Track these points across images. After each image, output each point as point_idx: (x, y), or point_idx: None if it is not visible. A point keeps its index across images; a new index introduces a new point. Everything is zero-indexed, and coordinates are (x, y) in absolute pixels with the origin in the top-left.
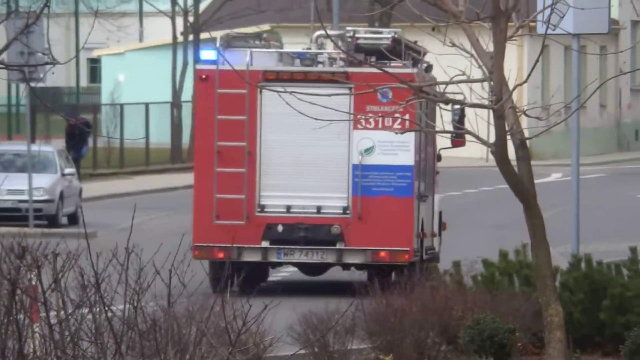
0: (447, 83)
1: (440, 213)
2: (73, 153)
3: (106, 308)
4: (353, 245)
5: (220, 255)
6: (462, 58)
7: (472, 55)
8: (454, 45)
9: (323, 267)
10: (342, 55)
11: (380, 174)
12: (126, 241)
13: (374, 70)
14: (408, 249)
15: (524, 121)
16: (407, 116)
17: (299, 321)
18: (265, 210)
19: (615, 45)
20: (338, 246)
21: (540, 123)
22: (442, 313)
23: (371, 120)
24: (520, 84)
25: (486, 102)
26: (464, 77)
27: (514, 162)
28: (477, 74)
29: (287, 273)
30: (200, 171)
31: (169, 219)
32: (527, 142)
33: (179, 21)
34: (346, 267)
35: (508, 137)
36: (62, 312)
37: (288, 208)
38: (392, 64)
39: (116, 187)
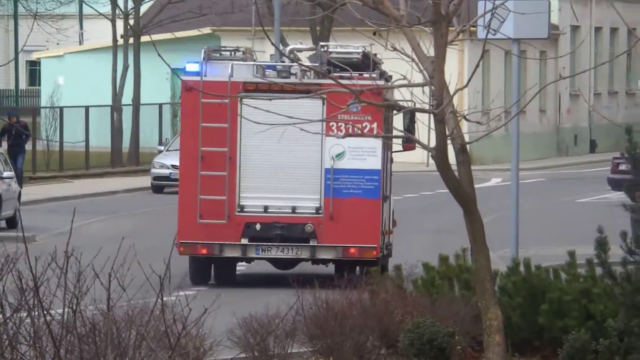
0: (388, 87)
1: (392, 211)
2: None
3: (45, 312)
4: (325, 242)
5: (204, 251)
6: (403, 62)
7: (413, 60)
8: (395, 49)
9: (295, 262)
10: (313, 69)
11: (350, 178)
12: (65, 245)
13: (345, 82)
14: (376, 245)
15: (465, 126)
16: (375, 125)
17: (239, 325)
18: (245, 210)
19: (555, 50)
20: (311, 243)
21: (480, 128)
22: (382, 317)
23: (342, 127)
24: (461, 89)
25: (427, 107)
26: (405, 82)
27: (454, 167)
28: (418, 78)
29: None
30: (185, 174)
31: (109, 223)
32: (468, 146)
33: (120, 24)
34: (316, 262)
35: (448, 141)
36: (0, 316)
37: (265, 208)
38: (362, 76)
39: (55, 191)
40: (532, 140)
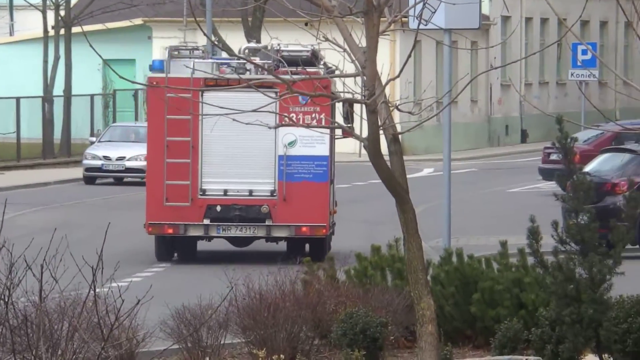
0: (319, 78)
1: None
2: None
3: None
4: (279, 222)
5: (170, 231)
6: (335, 53)
7: (345, 50)
8: (326, 40)
9: (251, 240)
10: (260, 66)
11: (302, 163)
12: None
13: (295, 77)
14: (325, 224)
15: (397, 116)
16: (322, 115)
17: (172, 316)
18: (206, 193)
19: (486, 41)
20: (267, 223)
21: (412, 118)
22: (315, 307)
23: (293, 118)
24: (393, 79)
25: (359, 97)
26: (337, 72)
27: (386, 157)
28: (350, 68)
29: (160, 268)
30: (152, 162)
31: (41, 214)
32: (400, 136)
33: (50, 15)
34: (271, 240)
35: (381, 131)
36: None
37: (225, 191)
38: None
39: None
40: (464, 130)
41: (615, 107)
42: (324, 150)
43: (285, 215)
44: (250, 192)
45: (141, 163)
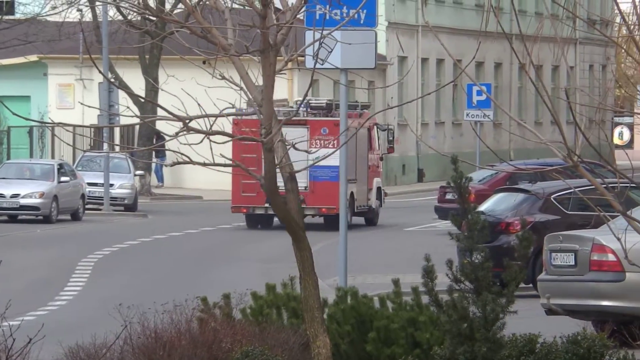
0: (216, 116)
1: (379, 188)
2: None
3: None
4: (310, 205)
5: (244, 210)
6: (232, 91)
7: (241, 89)
8: (223, 78)
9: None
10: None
11: (322, 170)
12: None
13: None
14: (335, 207)
15: (293, 154)
16: (335, 141)
17: (65, 355)
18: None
19: (383, 80)
20: (303, 206)
21: (310, 156)
22: (211, 346)
23: (317, 142)
24: (290, 118)
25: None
26: (233, 110)
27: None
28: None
29: (54, 307)
30: (235, 173)
31: None
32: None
33: None
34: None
35: (277, 170)
36: None
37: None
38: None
39: None
40: None
41: (510, 147)
42: (335, 162)
43: (313, 201)
44: None
45: (36, 200)
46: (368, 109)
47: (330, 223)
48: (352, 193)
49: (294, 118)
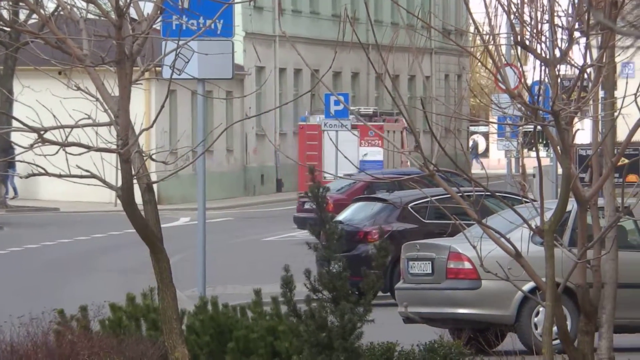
0: (72, 127)
1: None
2: None
3: None
4: None
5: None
6: (88, 102)
7: (97, 99)
8: (79, 89)
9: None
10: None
11: (370, 163)
12: None
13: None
14: None
15: (152, 165)
16: (379, 141)
17: None
18: (326, 178)
19: (241, 90)
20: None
21: (167, 167)
22: (68, 359)
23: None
24: (147, 129)
25: (113, 146)
26: (89, 121)
27: (141, 206)
28: (103, 117)
29: None
30: (302, 160)
31: None
32: (155, 186)
33: None
34: None
35: (134, 181)
36: None
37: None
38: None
39: None
40: (220, 179)
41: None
42: (380, 157)
43: None
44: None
45: None
46: (400, 115)
47: None
48: None
49: (353, 123)
